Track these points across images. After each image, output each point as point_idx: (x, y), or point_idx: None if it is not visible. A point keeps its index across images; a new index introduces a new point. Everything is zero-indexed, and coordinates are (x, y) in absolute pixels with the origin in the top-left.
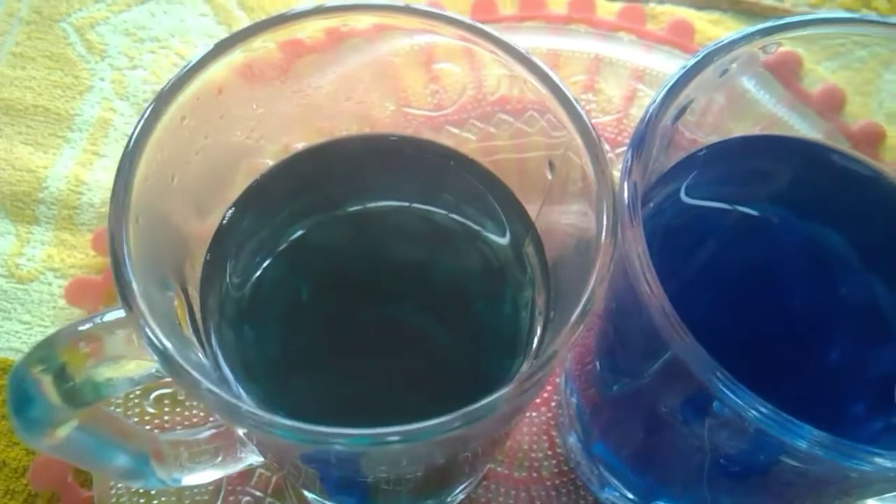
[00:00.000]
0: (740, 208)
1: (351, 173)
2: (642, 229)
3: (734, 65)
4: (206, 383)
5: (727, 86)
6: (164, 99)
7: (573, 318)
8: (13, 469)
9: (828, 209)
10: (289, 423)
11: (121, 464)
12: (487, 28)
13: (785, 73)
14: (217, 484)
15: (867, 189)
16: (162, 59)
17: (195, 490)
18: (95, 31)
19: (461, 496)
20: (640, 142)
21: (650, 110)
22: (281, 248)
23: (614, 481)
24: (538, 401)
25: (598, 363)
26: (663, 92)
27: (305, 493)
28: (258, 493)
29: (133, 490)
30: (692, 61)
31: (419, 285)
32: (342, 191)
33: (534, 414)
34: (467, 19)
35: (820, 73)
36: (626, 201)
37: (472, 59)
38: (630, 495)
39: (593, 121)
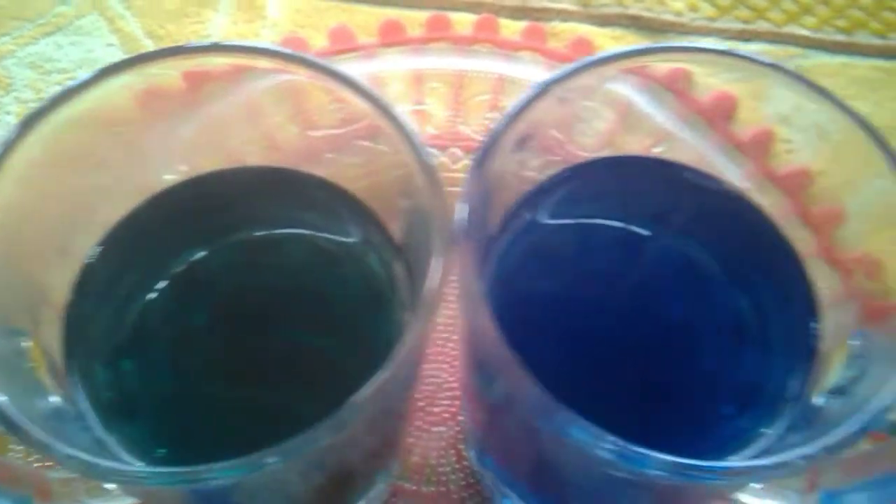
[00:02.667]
0: (595, 229)
1: (220, 206)
2: (476, 253)
3: (573, 94)
4: (40, 435)
5: (617, 101)
6: (11, 146)
7: (408, 335)
8: None
9: (683, 226)
10: (142, 469)
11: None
12: (318, 61)
13: (676, 87)
14: None
15: (718, 204)
16: None
17: None
18: (1, 65)
19: None
20: (479, 164)
21: (490, 134)
22: (149, 285)
23: (510, 492)
24: (446, 415)
25: (468, 384)
26: (505, 118)
27: None
28: None
29: None
30: (532, 91)
31: (290, 311)
32: (205, 226)
33: (442, 428)
34: (298, 54)
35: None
36: (462, 222)
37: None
38: None
39: None
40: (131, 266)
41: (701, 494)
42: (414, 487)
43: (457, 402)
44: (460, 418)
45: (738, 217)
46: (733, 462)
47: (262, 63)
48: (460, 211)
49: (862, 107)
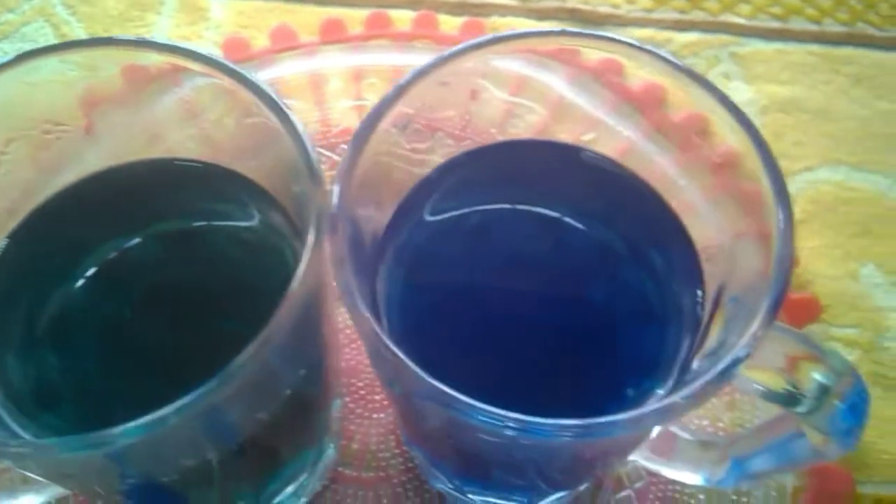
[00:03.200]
0: (489, 213)
1: (136, 198)
2: (351, 236)
3: (453, 77)
4: None
5: (547, 93)
6: None
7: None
8: None
9: (577, 204)
10: (44, 442)
11: None
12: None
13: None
14: None
15: (611, 183)
16: None
17: None
18: None
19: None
20: (355, 144)
21: (367, 116)
22: (57, 277)
23: (438, 473)
24: (386, 403)
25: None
26: (382, 101)
27: None
28: None
29: None
30: (409, 75)
31: (198, 294)
32: (127, 216)
33: (381, 415)
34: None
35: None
36: (332, 210)
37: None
38: (450, 484)
39: None
40: (38, 257)
41: (591, 455)
42: (354, 473)
43: None
44: None
45: (631, 194)
46: (601, 418)
47: (155, 58)
48: (334, 191)
49: (797, 91)
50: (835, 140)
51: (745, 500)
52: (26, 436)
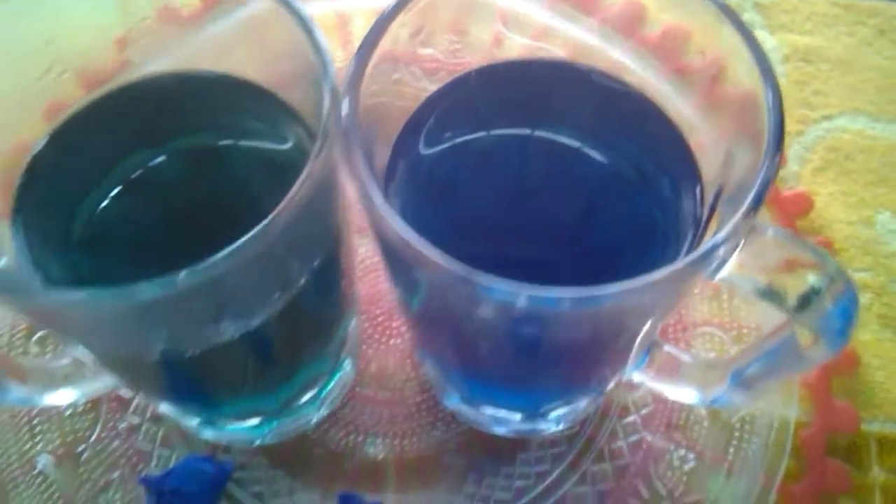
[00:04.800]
0: (489, 127)
1: (173, 110)
2: (365, 132)
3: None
4: None
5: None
6: None
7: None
8: None
9: (579, 117)
10: (79, 291)
11: None
12: None
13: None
14: (96, 413)
15: (611, 95)
16: None
17: (75, 418)
18: None
19: (318, 406)
20: (365, 47)
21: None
22: (90, 177)
23: (447, 386)
24: (403, 329)
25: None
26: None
27: (173, 411)
28: (136, 420)
29: (16, 427)
30: None
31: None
32: (164, 126)
33: (398, 341)
34: None
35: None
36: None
37: None
38: (461, 400)
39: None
40: (74, 159)
41: (591, 337)
42: (371, 393)
43: None
44: None
45: (633, 107)
46: (617, 284)
47: None
48: (344, 94)
49: (819, 41)
50: (855, 90)
51: (748, 427)
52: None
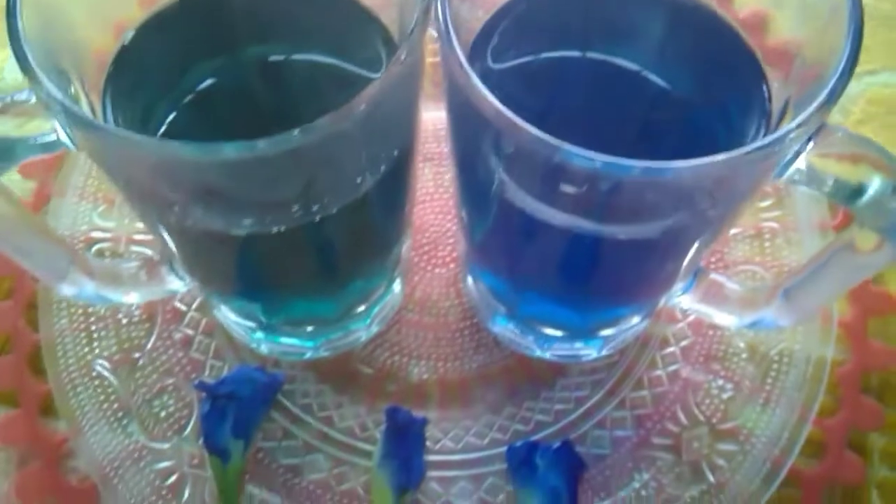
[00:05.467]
0: (565, 31)
1: (263, 11)
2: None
3: None
4: (102, 125)
5: None
6: None
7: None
8: None
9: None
10: (173, 143)
11: (50, 258)
12: None
13: None
14: (152, 324)
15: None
16: None
17: (131, 327)
18: None
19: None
20: None
21: None
22: (179, 65)
23: (497, 305)
24: (448, 259)
25: (460, 188)
26: None
27: (230, 319)
28: (189, 332)
29: (74, 332)
30: None
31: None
32: (252, 26)
33: (443, 270)
34: None
35: None
36: None
37: None
38: (512, 325)
39: None
40: (161, 48)
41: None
42: (416, 317)
43: (458, 249)
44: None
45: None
46: (691, 160)
47: None
48: None
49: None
50: None
51: (786, 360)
52: None
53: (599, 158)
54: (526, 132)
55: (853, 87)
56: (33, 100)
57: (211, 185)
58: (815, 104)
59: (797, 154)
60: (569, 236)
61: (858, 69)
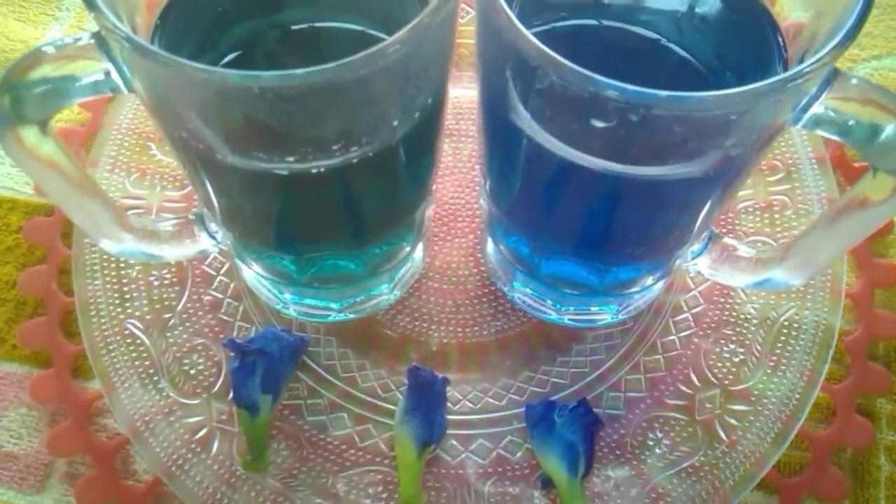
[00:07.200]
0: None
1: None
2: None
3: None
4: (151, 47)
5: None
6: None
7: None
8: (4, 282)
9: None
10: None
11: (99, 213)
12: None
13: None
14: (182, 286)
15: None
16: None
17: (163, 289)
18: None
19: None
20: None
21: None
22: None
23: (518, 266)
24: (467, 230)
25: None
26: None
27: (259, 282)
28: (218, 295)
29: (108, 293)
30: None
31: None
32: None
33: (463, 240)
34: None
35: None
36: None
37: None
38: (531, 287)
39: None
40: (207, 7)
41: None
42: (436, 285)
43: (476, 220)
44: (479, 232)
45: None
46: (708, 93)
47: None
48: None
49: None
50: None
51: (795, 326)
52: None
53: (630, 87)
54: (563, 65)
55: (860, 71)
56: (84, 41)
57: (257, 118)
58: (832, 43)
59: (814, 99)
60: (593, 182)
61: (864, 54)
